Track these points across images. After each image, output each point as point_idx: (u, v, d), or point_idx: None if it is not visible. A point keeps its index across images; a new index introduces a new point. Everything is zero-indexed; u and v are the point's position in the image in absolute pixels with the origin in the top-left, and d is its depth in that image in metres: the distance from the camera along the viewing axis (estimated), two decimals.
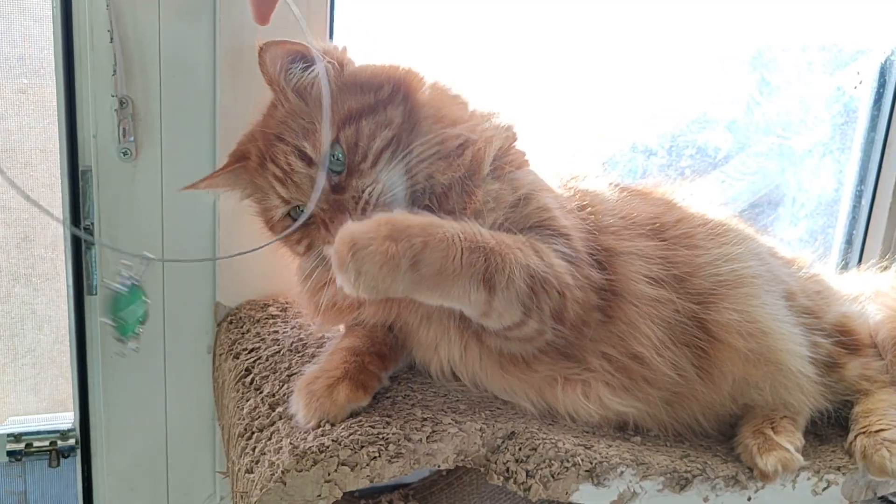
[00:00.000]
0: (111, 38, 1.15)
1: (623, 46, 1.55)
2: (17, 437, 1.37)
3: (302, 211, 1.02)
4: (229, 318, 1.27)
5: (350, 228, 0.86)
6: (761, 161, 1.66)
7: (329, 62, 1.02)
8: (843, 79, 1.67)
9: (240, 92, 1.21)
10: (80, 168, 1.22)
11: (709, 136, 1.63)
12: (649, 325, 1.03)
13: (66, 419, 1.41)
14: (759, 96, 1.65)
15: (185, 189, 1.13)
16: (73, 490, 1.40)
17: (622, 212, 1.10)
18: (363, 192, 0.98)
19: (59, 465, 1.39)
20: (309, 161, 1.00)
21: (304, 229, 1.03)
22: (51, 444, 1.38)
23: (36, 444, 1.38)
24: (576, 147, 1.53)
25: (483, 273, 0.89)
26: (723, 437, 1.12)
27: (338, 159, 0.99)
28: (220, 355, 1.22)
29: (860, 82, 1.64)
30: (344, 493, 1.42)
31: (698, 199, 1.23)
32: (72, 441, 1.38)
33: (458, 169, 1.00)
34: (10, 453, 1.36)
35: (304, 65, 1.02)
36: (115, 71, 1.16)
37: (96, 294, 1.27)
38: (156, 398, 1.34)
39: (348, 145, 0.99)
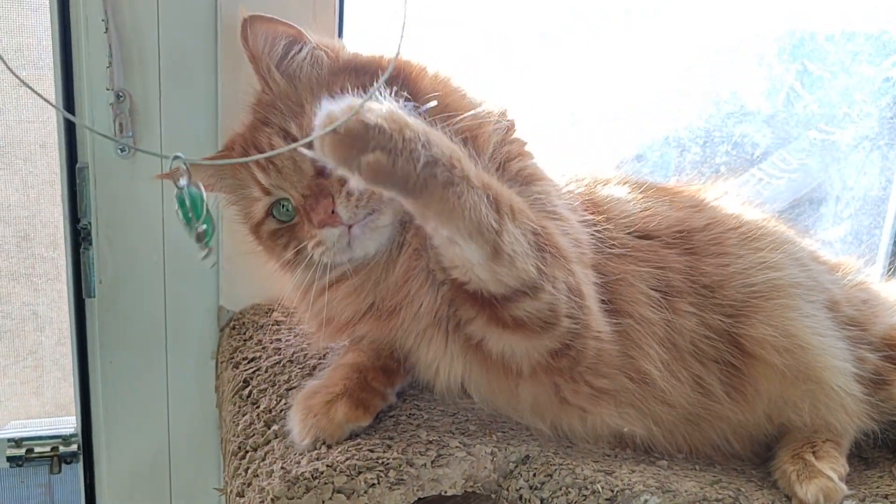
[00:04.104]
0: (106, 28, 1.09)
1: (655, 34, 1.46)
2: (17, 443, 1.33)
3: (286, 209, 0.93)
4: (232, 324, 1.21)
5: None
6: (803, 157, 1.57)
7: (323, 49, 0.94)
8: (892, 69, 1.56)
9: (241, 85, 1.13)
10: (78, 165, 1.17)
11: (746, 131, 1.53)
12: (653, 345, 0.94)
13: (69, 423, 1.36)
14: (801, 88, 1.55)
15: (158, 177, 1.07)
16: (77, 497, 1.36)
17: (636, 218, 1.01)
18: None
19: (60, 471, 1.34)
20: (293, 141, 0.89)
21: (290, 233, 0.94)
22: (52, 449, 1.34)
23: (37, 449, 1.34)
24: (602, 142, 1.45)
25: (487, 197, 0.78)
26: (757, 458, 1.04)
27: None
28: (222, 363, 1.16)
29: None
30: None
31: (731, 199, 1.13)
32: (74, 447, 1.33)
33: None
34: (11, 458, 1.31)
35: (294, 49, 0.95)
36: (110, 63, 1.10)
37: (95, 297, 1.22)
38: (158, 405, 1.29)
39: None
